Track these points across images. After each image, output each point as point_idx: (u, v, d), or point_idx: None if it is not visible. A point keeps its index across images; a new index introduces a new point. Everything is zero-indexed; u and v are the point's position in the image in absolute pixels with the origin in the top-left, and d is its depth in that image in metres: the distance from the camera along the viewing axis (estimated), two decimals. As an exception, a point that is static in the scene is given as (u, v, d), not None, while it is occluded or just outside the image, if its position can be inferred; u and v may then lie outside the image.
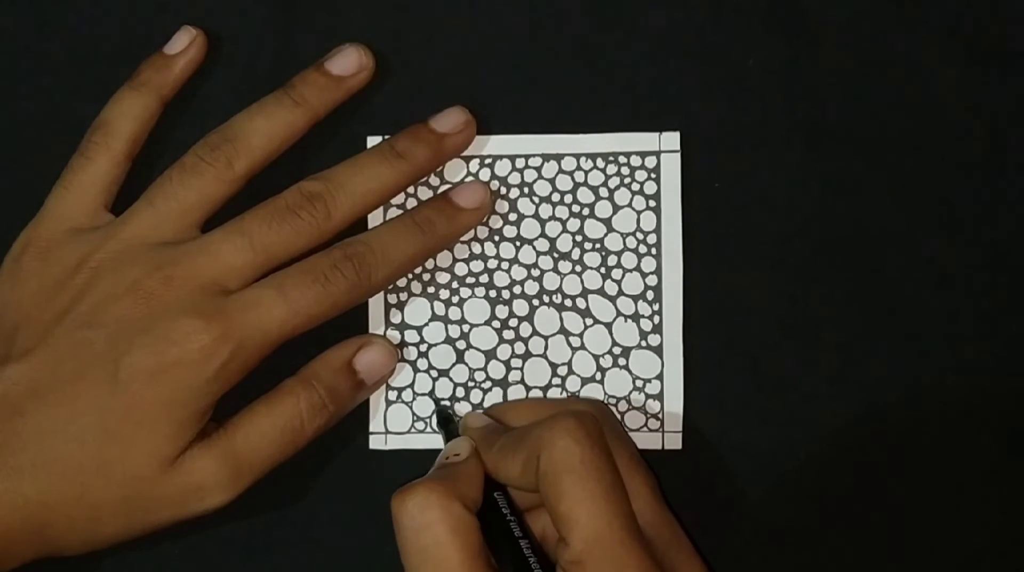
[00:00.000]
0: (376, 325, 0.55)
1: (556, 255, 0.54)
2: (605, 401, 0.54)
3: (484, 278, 0.55)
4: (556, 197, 0.55)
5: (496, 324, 0.54)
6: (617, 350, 0.54)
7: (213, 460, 0.50)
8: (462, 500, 0.46)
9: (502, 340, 0.54)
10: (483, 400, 0.54)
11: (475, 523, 0.45)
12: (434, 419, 0.54)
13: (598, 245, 0.54)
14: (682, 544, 0.48)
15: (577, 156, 0.55)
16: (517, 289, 0.55)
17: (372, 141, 0.55)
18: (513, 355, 0.54)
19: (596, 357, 0.54)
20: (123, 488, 0.49)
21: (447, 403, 0.54)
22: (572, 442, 0.45)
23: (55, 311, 0.51)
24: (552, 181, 0.55)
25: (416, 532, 0.45)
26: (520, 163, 0.55)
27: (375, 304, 0.55)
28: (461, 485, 0.46)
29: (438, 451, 0.54)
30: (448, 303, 0.55)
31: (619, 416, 0.54)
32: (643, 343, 0.54)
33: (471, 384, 0.54)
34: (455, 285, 0.55)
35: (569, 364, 0.54)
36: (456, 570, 0.44)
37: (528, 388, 0.54)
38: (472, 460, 0.48)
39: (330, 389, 0.52)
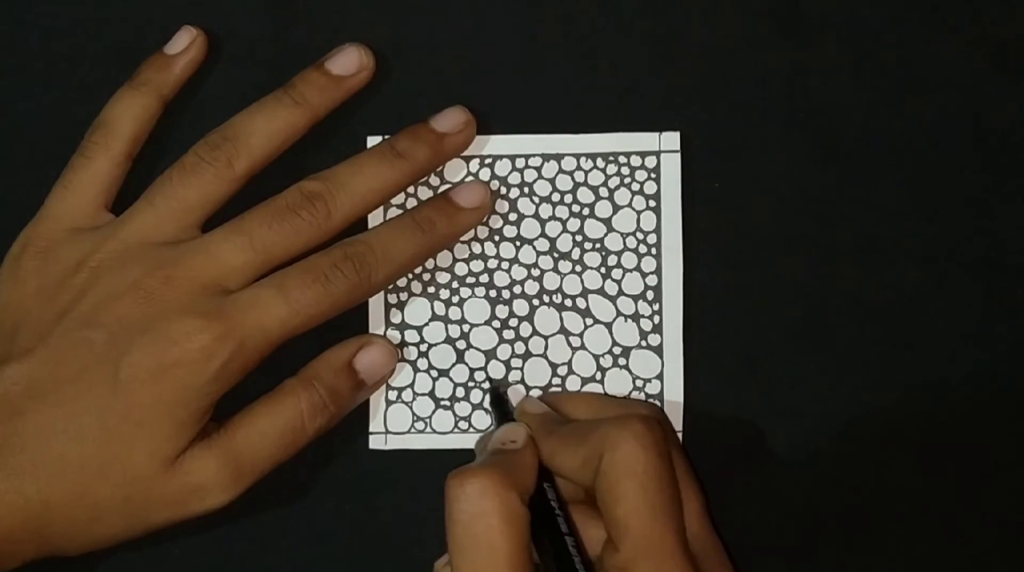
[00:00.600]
0: (376, 325, 0.55)
1: (556, 255, 0.54)
2: (605, 401, 0.54)
3: (484, 278, 0.55)
4: (556, 197, 0.55)
5: (496, 324, 0.54)
6: (617, 350, 0.54)
7: (213, 460, 0.50)
8: (518, 491, 0.45)
9: (502, 340, 0.54)
10: (483, 400, 0.54)
11: (527, 516, 0.45)
12: (487, 398, 0.54)
13: (598, 245, 0.54)
14: (725, 566, 0.48)
15: (577, 156, 0.55)
16: (517, 289, 0.55)
17: (372, 141, 0.55)
18: (513, 355, 0.54)
19: (596, 357, 0.54)
20: (123, 488, 0.49)
21: (501, 382, 0.54)
22: (639, 447, 0.45)
23: (55, 311, 0.51)
24: (552, 181, 0.55)
25: (472, 517, 0.45)
26: (520, 163, 0.55)
27: (375, 304, 0.55)
28: (517, 475, 0.46)
29: (439, 451, 0.54)
30: (448, 303, 0.55)
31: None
32: (643, 343, 0.54)
33: (471, 384, 0.54)
34: (455, 285, 0.55)
35: (569, 364, 0.54)
36: (503, 561, 0.44)
37: (528, 388, 0.54)
38: (528, 449, 0.48)
39: (331, 389, 0.52)
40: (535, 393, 0.54)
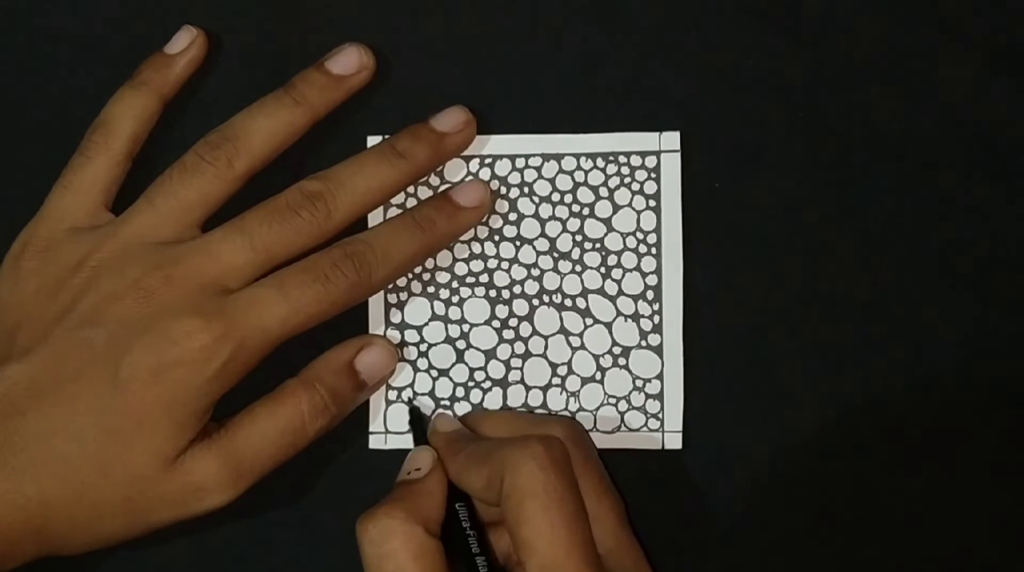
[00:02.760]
0: (376, 325, 0.55)
1: (556, 255, 0.54)
2: (605, 401, 0.54)
3: (484, 278, 0.55)
4: (556, 197, 0.55)
5: (496, 324, 0.54)
6: (617, 350, 0.54)
7: (214, 460, 0.50)
8: (424, 523, 0.46)
9: (502, 340, 0.54)
10: (483, 400, 0.54)
11: (437, 546, 0.46)
12: (406, 416, 0.54)
13: (598, 245, 0.54)
14: None
15: (577, 156, 0.55)
16: (517, 289, 0.55)
17: (372, 140, 0.55)
18: (513, 355, 0.54)
19: (596, 357, 0.54)
20: (123, 488, 0.49)
21: (419, 401, 0.54)
22: (537, 468, 0.45)
23: (56, 310, 0.50)
24: (552, 181, 0.55)
25: (379, 559, 0.46)
26: (520, 163, 0.55)
27: (375, 304, 0.55)
28: (422, 506, 0.47)
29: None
30: (448, 303, 0.55)
31: (619, 416, 0.54)
32: (643, 343, 0.54)
33: (471, 384, 0.54)
34: (455, 285, 0.55)
35: (569, 364, 0.54)
36: None
37: (528, 388, 0.54)
38: (433, 476, 0.49)
39: (332, 390, 0.52)
40: (535, 393, 0.54)
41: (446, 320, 0.55)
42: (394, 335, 0.55)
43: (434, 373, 0.54)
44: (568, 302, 0.54)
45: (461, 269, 0.55)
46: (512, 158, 0.55)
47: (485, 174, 0.55)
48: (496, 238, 0.55)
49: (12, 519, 0.48)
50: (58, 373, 0.49)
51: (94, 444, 0.49)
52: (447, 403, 0.54)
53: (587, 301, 0.54)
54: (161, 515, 0.50)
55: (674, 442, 0.54)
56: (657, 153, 0.54)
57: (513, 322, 0.54)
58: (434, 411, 0.54)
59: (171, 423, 0.49)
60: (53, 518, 0.49)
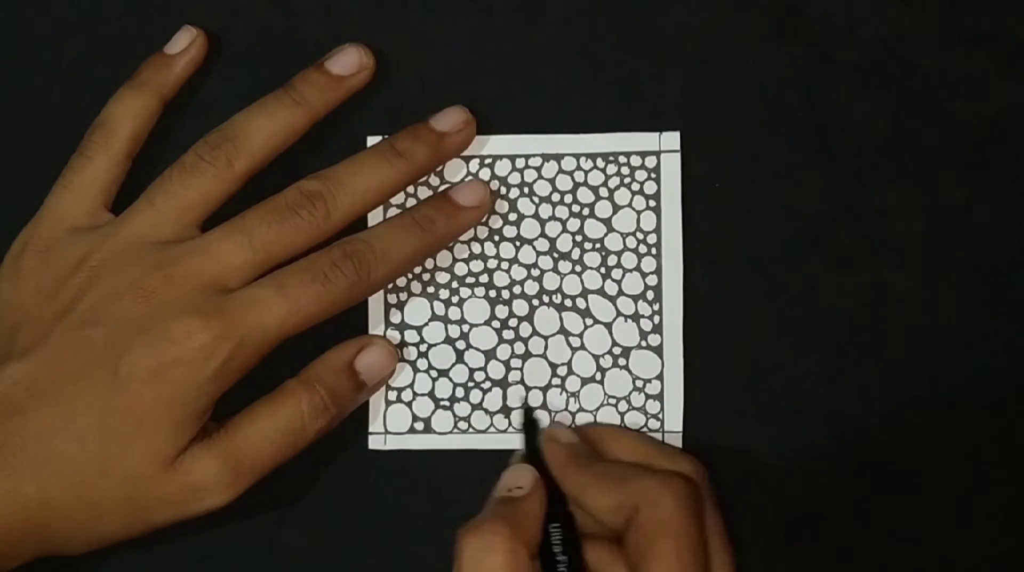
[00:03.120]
0: (376, 325, 0.55)
1: (556, 255, 0.54)
2: (605, 401, 0.54)
3: (484, 278, 0.55)
4: (556, 197, 0.55)
5: (496, 324, 0.54)
6: (617, 350, 0.54)
7: (213, 460, 0.50)
8: (527, 545, 0.46)
9: (502, 340, 0.54)
10: (483, 400, 0.54)
11: (535, 569, 0.46)
12: (516, 417, 0.54)
13: (598, 245, 0.54)
14: None
15: (577, 156, 0.55)
16: (517, 289, 0.55)
17: (372, 140, 0.55)
18: (513, 355, 0.54)
19: (596, 357, 0.54)
20: (123, 488, 0.49)
21: (535, 409, 0.54)
22: (678, 508, 0.45)
23: (55, 310, 0.50)
24: (552, 181, 0.55)
25: None
26: (520, 163, 0.55)
27: (375, 304, 0.55)
28: (525, 527, 0.46)
29: (438, 451, 0.54)
30: (448, 303, 0.55)
31: (619, 416, 0.54)
32: (643, 343, 0.54)
33: (471, 384, 0.54)
34: (455, 285, 0.55)
35: (569, 364, 0.54)
36: None
37: (528, 388, 0.54)
38: (535, 495, 0.48)
39: (332, 391, 0.52)
40: (535, 393, 0.54)
41: (446, 320, 0.55)
42: (394, 335, 0.55)
43: (434, 373, 0.54)
44: (568, 302, 0.54)
45: (461, 269, 0.55)
46: (512, 158, 0.55)
47: (485, 174, 0.55)
48: (496, 238, 0.55)
49: (12, 519, 0.48)
50: (58, 373, 0.49)
51: (94, 444, 0.49)
52: (447, 403, 0.54)
53: (587, 301, 0.54)
54: (161, 515, 0.50)
55: (674, 442, 0.54)
56: (657, 153, 0.54)
57: (513, 322, 0.54)
58: (552, 415, 0.54)
59: (171, 423, 0.49)
60: (53, 518, 0.49)
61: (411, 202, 0.55)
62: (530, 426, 0.52)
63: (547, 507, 0.48)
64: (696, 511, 0.46)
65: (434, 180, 0.55)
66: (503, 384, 0.54)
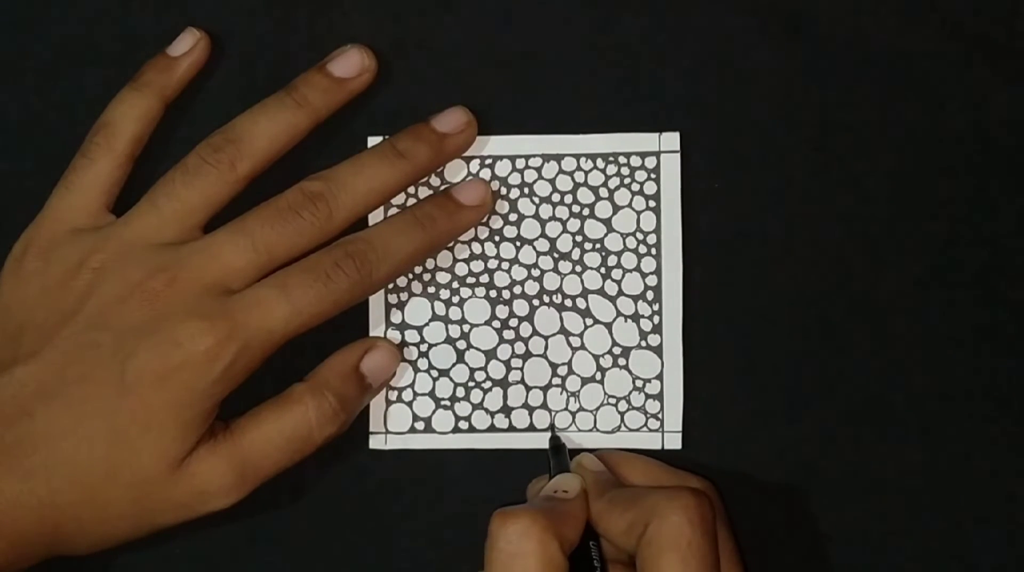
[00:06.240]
0: (376, 325, 0.55)
1: (556, 255, 0.55)
2: (605, 401, 0.54)
3: (484, 278, 0.55)
4: (556, 197, 0.55)
5: (496, 324, 0.55)
6: (617, 350, 0.54)
7: (220, 462, 0.50)
8: (560, 539, 0.46)
9: (502, 340, 0.54)
10: (483, 400, 0.54)
11: (565, 565, 0.45)
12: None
13: (598, 245, 0.54)
14: None
15: (577, 156, 0.55)
16: (517, 289, 0.55)
17: (373, 141, 0.55)
18: (513, 355, 0.54)
19: (596, 357, 0.54)
20: (131, 490, 0.49)
21: (561, 430, 0.54)
22: (684, 520, 0.45)
23: (60, 312, 0.50)
24: (552, 181, 0.55)
25: (510, 556, 0.45)
26: (520, 163, 0.55)
27: (376, 304, 0.55)
28: (563, 524, 0.46)
29: (439, 451, 0.54)
30: (448, 303, 0.55)
31: (619, 416, 0.54)
32: (643, 343, 0.54)
33: (471, 384, 0.54)
34: (455, 285, 0.55)
35: (569, 364, 0.54)
36: None
37: (528, 388, 0.54)
38: (579, 501, 0.48)
39: (340, 396, 0.52)
40: (535, 393, 0.54)
41: (446, 320, 0.55)
42: (394, 335, 0.55)
43: (434, 373, 0.55)
44: (568, 302, 0.54)
45: (461, 269, 0.55)
46: (512, 159, 0.55)
47: (485, 175, 0.55)
48: (496, 238, 0.55)
49: (26, 521, 0.48)
50: (65, 376, 0.49)
51: (102, 447, 0.49)
52: (447, 403, 0.54)
53: (587, 301, 0.54)
54: (167, 517, 0.50)
55: (674, 442, 0.54)
56: (657, 154, 0.54)
57: (513, 322, 0.54)
58: (553, 414, 0.54)
59: (177, 425, 0.49)
60: (63, 519, 0.49)
61: (412, 202, 0.55)
62: (556, 450, 0.52)
63: (586, 525, 0.48)
64: (704, 524, 0.46)
65: (435, 180, 0.55)
66: (504, 384, 0.54)
